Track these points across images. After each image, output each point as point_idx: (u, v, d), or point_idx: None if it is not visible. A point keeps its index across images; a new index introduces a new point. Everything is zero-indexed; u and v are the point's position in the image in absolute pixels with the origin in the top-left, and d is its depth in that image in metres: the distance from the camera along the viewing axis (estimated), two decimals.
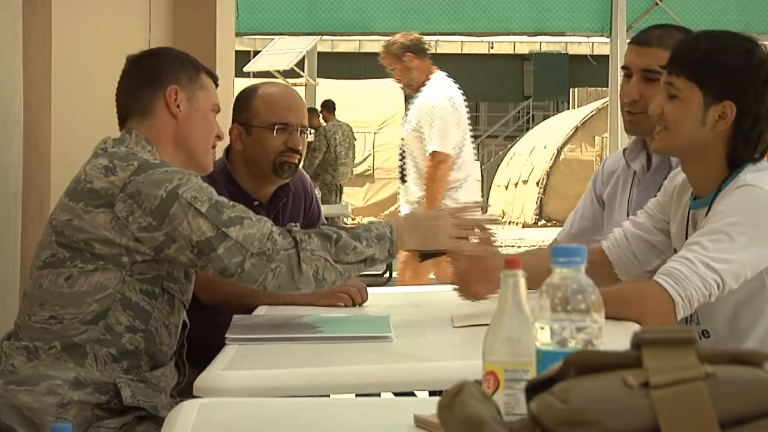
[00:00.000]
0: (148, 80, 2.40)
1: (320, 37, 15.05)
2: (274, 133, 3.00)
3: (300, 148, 3.04)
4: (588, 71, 26.87)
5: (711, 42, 2.37)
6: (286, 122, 3.02)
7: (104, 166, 2.26)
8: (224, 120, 3.23)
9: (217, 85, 2.51)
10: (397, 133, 23.45)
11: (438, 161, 5.83)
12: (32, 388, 2.18)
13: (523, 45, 30.21)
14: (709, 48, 2.36)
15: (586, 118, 22.70)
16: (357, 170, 22.74)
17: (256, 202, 3.05)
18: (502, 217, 23.81)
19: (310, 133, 3.39)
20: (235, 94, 3.15)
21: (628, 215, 2.87)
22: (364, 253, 2.29)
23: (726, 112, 2.35)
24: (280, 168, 3.02)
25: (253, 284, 2.26)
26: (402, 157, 6.19)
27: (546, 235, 17.88)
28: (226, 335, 2.25)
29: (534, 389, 1.12)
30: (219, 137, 2.50)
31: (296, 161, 3.05)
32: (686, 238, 2.44)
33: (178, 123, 2.39)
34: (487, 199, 25.64)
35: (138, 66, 2.44)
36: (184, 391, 2.66)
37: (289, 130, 3.02)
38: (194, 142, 2.42)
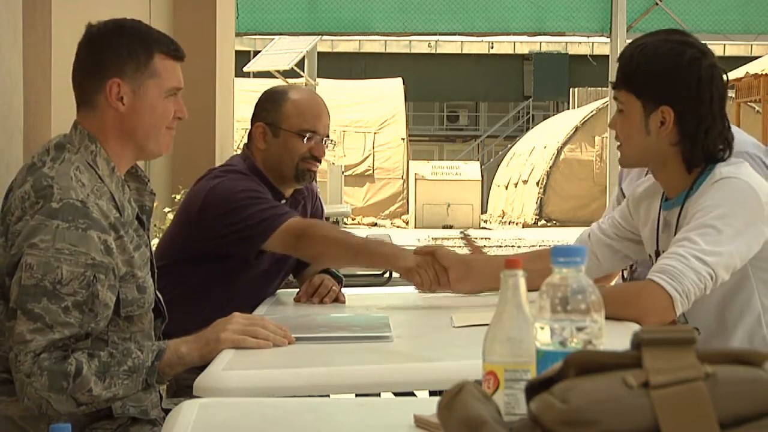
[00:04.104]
0: (93, 69, 2.26)
1: (320, 37, 15.06)
2: (304, 140, 3.02)
3: (324, 157, 3.09)
4: (588, 71, 26.89)
5: (643, 51, 2.43)
6: (315, 131, 3.04)
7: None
8: (224, 119, 3.21)
9: (182, 59, 2.34)
10: (397, 133, 23.54)
11: None
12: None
13: (523, 45, 30.23)
14: (641, 57, 2.42)
15: (586, 118, 22.71)
16: (357, 170, 22.77)
17: (283, 200, 3.07)
18: (502, 217, 23.83)
19: (331, 142, 3.40)
20: (236, 94, 3.15)
21: None
22: (102, 395, 2.08)
23: (665, 117, 2.41)
24: (301, 174, 3.05)
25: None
26: None
27: (546, 235, 17.88)
28: None
29: (534, 389, 1.12)
30: (180, 117, 2.35)
31: (316, 169, 3.09)
32: (657, 241, 2.49)
33: (122, 115, 2.26)
34: (487, 199, 25.66)
35: (87, 50, 2.28)
36: (180, 392, 2.66)
37: (316, 139, 3.04)
38: (141, 134, 2.29)
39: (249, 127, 3.16)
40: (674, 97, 2.40)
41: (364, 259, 2.90)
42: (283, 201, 3.06)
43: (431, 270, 2.75)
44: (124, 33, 2.29)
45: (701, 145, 2.41)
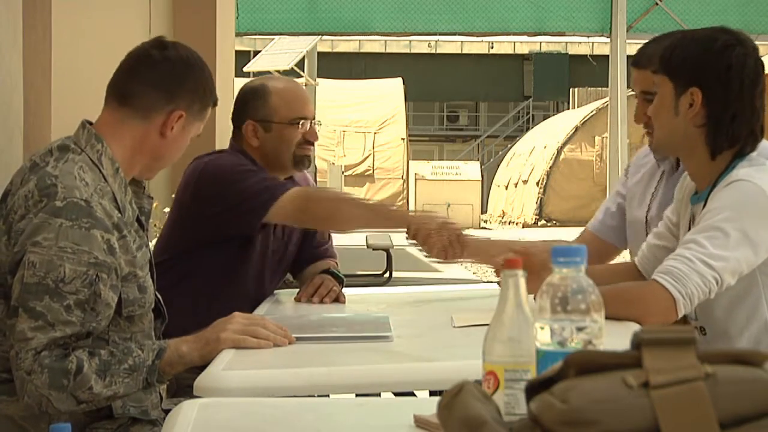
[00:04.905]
0: (167, 87, 2.28)
1: (320, 37, 15.05)
2: (299, 128, 3.05)
3: (316, 140, 3.11)
4: (588, 71, 26.91)
5: (682, 36, 2.48)
6: (305, 116, 3.07)
7: None
8: (223, 119, 3.21)
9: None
10: (397, 133, 23.55)
11: None
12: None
13: (523, 45, 30.23)
14: (677, 41, 2.46)
15: (586, 118, 22.71)
16: (357, 170, 22.78)
17: None
18: (502, 217, 23.82)
19: (318, 123, 3.47)
20: (235, 94, 3.15)
21: (648, 211, 2.93)
22: (102, 393, 2.08)
23: (694, 99, 2.41)
24: (300, 160, 3.07)
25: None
26: None
27: (546, 236, 17.87)
28: None
29: (534, 389, 1.12)
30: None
31: (311, 153, 3.11)
32: None
33: (162, 141, 2.29)
34: (487, 199, 25.66)
35: (169, 68, 2.30)
36: (180, 392, 2.66)
37: (307, 124, 3.07)
38: (163, 162, 2.35)
39: (233, 126, 3.16)
40: (703, 80, 2.40)
41: (381, 219, 2.90)
42: None
43: (444, 240, 2.77)
44: (204, 75, 2.35)
45: (726, 131, 2.40)
